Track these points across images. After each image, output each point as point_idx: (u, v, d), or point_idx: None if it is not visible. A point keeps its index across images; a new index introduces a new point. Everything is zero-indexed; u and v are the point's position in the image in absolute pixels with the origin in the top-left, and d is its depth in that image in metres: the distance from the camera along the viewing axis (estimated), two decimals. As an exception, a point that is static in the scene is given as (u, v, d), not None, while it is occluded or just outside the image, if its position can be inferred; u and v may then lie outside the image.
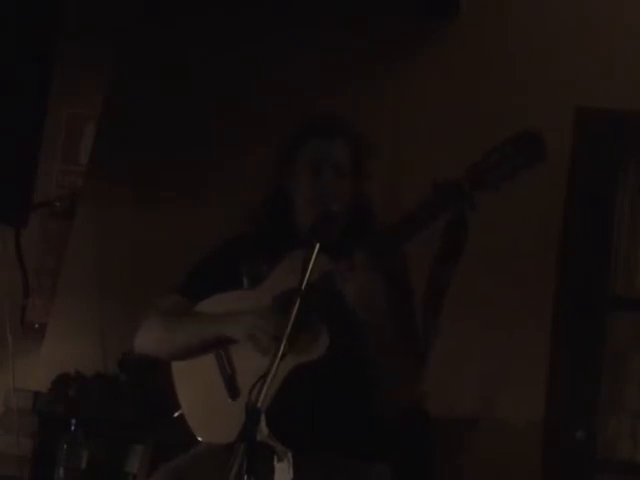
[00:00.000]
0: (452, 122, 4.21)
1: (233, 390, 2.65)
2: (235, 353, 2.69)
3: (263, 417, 2.24)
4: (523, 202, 3.98)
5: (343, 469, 2.62)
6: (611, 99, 4.08)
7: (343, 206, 2.69)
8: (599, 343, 4.03)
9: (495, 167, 2.43)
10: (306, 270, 2.31)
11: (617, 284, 4.13)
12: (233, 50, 4.45)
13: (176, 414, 2.76)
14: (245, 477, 2.12)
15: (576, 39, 4.21)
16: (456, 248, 2.49)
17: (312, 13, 4.41)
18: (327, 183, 2.73)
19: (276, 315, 2.54)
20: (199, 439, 2.69)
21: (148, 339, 2.83)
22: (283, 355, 2.23)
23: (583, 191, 4.10)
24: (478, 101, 4.23)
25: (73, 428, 3.78)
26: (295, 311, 2.27)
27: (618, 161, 4.18)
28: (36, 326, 4.55)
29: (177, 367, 2.80)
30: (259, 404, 2.18)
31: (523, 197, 3.91)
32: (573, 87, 4.15)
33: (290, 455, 2.51)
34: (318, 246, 2.35)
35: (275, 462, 2.51)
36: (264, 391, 2.18)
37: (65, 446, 3.79)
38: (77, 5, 4.47)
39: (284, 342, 2.24)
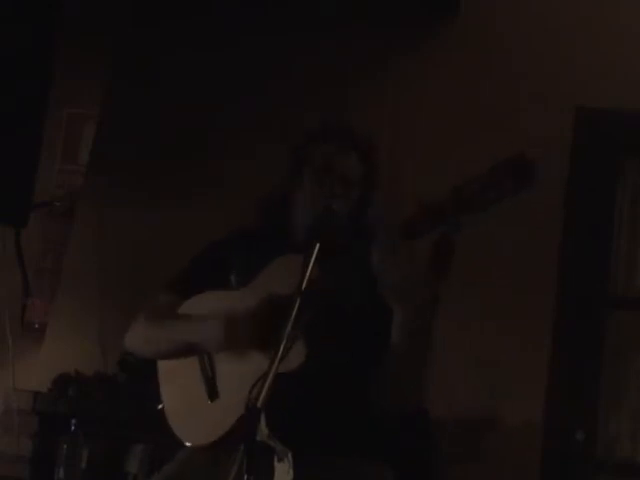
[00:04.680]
0: (452, 122, 4.21)
1: (212, 392, 2.66)
2: (218, 355, 2.70)
3: (263, 417, 2.24)
4: (522, 202, 3.97)
5: (343, 469, 2.62)
6: (611, 99, 4.08)
7: (346, 209, 2.70)
8: (599, 343, 4.03)
9: (481, 193, 2.39)
10: (306, 270, 2.31)
11: (617, 284, 4.13)
12: (233, 50, 4.45)
13: (159, 407, 2.77)
14: (245, 477, 2.13)
15: (576, 39, 4.21)
16: (442, 268, 2.48)
17: (312, 13, 4.42)
18: (335, 189, 2.73)
19: (258, 319, 2.56)
20: (179, 439, 2.71)
21: (133, 339, 2.85)
22: (283, 356, 2.24)
23: (583, 191, 4.10)
24: (478, 101, 4.23)
25: (73, 428, 3.78)
26: (295, 310, 2.28)
27: (618, 161, 4.18)
28: (36, 326, 4.55)
29: (162, 368, 2.82)
30: (259, 404, 2.18)
31: (522, 197, 3.90)
32: (573, 87, 4.15)
33: (290, 455, 2.51)
34: (318, 246, 2.35)
35: (275, 462, 2.51)
36: (264, 391, 2.19)
37: (65, 446, 3.79)
38: (77, 5, 4.46)
39: (284, 342, 2.24)
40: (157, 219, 4.36)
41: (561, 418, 3.95)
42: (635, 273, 4.18)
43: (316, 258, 2.34)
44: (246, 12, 4.48)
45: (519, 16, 4.29)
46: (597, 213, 4.11)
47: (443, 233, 2.39)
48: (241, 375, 2.50)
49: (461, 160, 4.06)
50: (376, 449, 2.68)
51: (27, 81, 3.97)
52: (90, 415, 3.90)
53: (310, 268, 2.31)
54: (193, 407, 2.69)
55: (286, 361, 2.31)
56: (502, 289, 4.01)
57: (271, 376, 2.21)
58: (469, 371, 3.97)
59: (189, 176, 4.37)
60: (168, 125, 4.44)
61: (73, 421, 3.79)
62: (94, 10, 4.66)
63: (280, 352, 2.24)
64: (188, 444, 2.68)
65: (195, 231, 4.14)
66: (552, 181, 3.98)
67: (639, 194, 4.20)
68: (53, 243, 4.71)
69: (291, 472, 2.50)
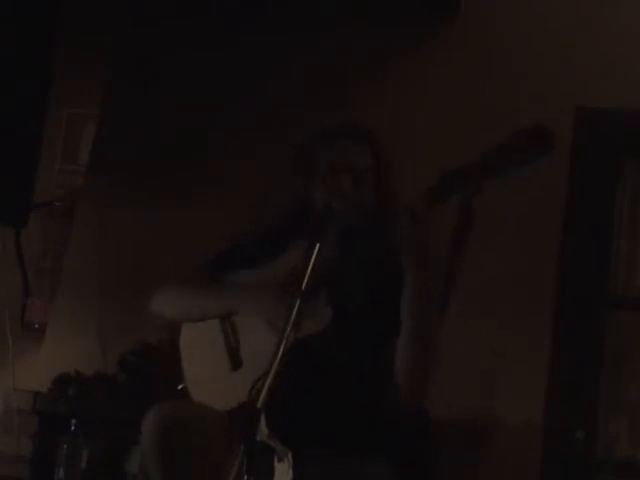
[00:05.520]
0: (452, 122, 4.21)
1: (236, 361, 2.69)
2: (240, 324, 2.74)
3: (263, 417, 2.24)
4: (523, 202, 3.98)
5: (343, 469, 2.62)
6: (611, 99, 4.08)
7: (352, 207, 2.71)
8: (599, 343, 4.03)
9: (502, 157, 2.44)
10: (306, 270, 2.31)
11: (617, 284, 4.13)
12: (233, 50, 4.45)
13: (180, 387, 2.79)
14: (245, 477, 2.13)
15: (576, 39, 4.21)
16: (463, 232, 2.50)
17: (312, 13, 4.42)
18: (345, 187, 2.74)
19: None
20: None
21: (165, 302, 2.88)
22: (284, 355, 2.24)
23: (583, 191, 4.10)
24: (478, 101, 4.23)
25: (73, 428, 3.78)
26: (295, 310, 2.28)
27: (618, 161, 4.18)
28: (36, 326, 4.55)
29: (185, 339, 2.85)
30: (259, 404, 2.18)
31: (523, 197, 3.91)
32: (573, 87, 4.15)
33: (290, 455, 2.51)
34: (318, 247, 2.35)
35: (275, 462, 2.52)
36: (264, 391, 2.19)
37: (65, 446, 3.79)
38: (77, 5, 4.46)
39: (284, 343, 2.24)
40: (157, 219, 4.36)
41: (561, 418, 3.95)
42: (635, 273, 4.18)
43: (318, 257, 2.34)
44: (246, 12, 4.48)
45: (519, 16, 4.29)
46: (597, 213, 4.11)
47: (464, 198, 2.43)
48: (265, 344, 2.49)
49: (461, 160, 4.05)
50: (376, 449, 2.68)
51: (27, 81, 3.97)
52: (90, 415, 3.90)
53: (310, 269, 2.32)
54: (216, 376, 2.72)
55: (312, 323, 2.34)
56: (502, 289, 4.01)
57: (271, 376, 2.21)
58: (469, 371, 3.96)
59: (189, 176, 4.37)
60: (168, 125, 4.44)
61: (73, 421, 3.79)
62: (94, 10, 4.65)
63: (280, 352, 2.24)
64: None
65: (195, 231, 4.16)
66: (552, 180, 3.98)
67: (639, 194, 4.20)
68: (53, 243, 4.71)
69: (291, 472, 2.50)
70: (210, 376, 2.75)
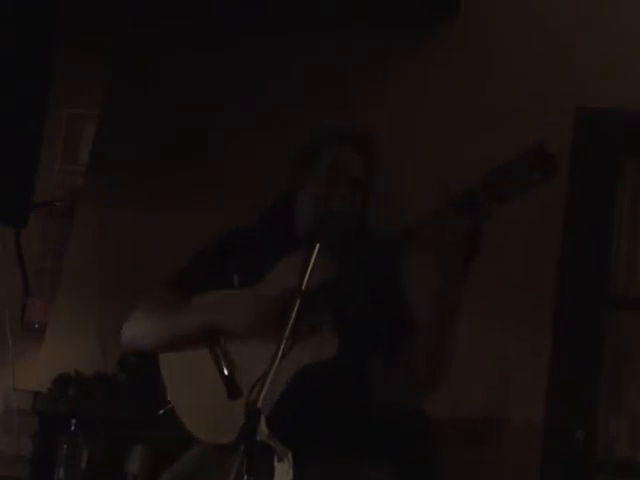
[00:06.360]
0: (452, 122, 4.21)
1: (233, 390, 2.65)
2: (234, 351, 2.69)
3: (263, 417, 2.24)
4: (522, 202, 3.97)
5: (343, 469, 2.62)
6: (611, 99, 4.08)
7: (349, 209, 2.71)
8: (599, 343, 4.03)
9: (511, 181, 2.43)
10: (306, 271, 2.31)
11: (617, 284, 4.13)
12: (233, 50, 4.45)
13: (161, 411, 2.75)
14: (245, 477, 2.13)
15: (576, 39, 4.21)
16: (469, 257, 2.50)
17: (312, 13, 4.42)
18: (341, 190, 2.74)
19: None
20: (199, 439, 2.69)
21: (134, 331, 2.84)
22: (283, 355, 2.24)
23: (583, 191, 4.10)
24: (478, 101, 4.23)
25: (73, 428, 3.78)
26: (295, 312, 2.28)
27: (618, 161, 4.18)
28: (36, 326, 4.55)
29: (168, 369, 2.78)
30: (259, 404, 2.18)
31: (522, 197, 3.90)
32: (573, 87, 4.15)
33: (290, 455, 2.51)
34: (318, 247, 2.35)
35: (275, 462, 2.51)
36: (264, 392, 2.19)
37: (65, 446, 3.79)
38: (77, 5, 4.46)
39: (284, 343, 2.24)
40: (157, 219, 4.36)
41: (561, 418, 3.95)
42: (635, 273, 4.18)
43: (317, 259, 2.34)
44: (246, 12, 4.48)
45: (519, 16, 4.29)
46: (597, 213, 4.11)
47: (473, 221, 2.42)
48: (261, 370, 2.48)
49: (461, 160, 4.06)
50: (376, 449, 2.68)
51: (27, 81, 3.97)
52: (90, 415, 3.89)
53: (310, 269, 2.31)
54: (212, 406, 2.66)
55: (315, 353, 2.31)
56: (502, 289, 4.01)
57: (270, 376, 2.21)
58: (469, 371, 3.96)
59: (189, 176, 4.37)
60: (168, 125, 4.44)
61: (73, 421, 3.78)
62: (94, 10, 4.66)
63: (280, 352, 2.24)
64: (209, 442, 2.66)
65: (195, 231, 4.14)
66: (552, 181, 3.97)
67: (639, 194, 4.20)
68: (53, 243, 4.71)
69: (291, 472, 2.50)
70: (204, 405, 2.68)
